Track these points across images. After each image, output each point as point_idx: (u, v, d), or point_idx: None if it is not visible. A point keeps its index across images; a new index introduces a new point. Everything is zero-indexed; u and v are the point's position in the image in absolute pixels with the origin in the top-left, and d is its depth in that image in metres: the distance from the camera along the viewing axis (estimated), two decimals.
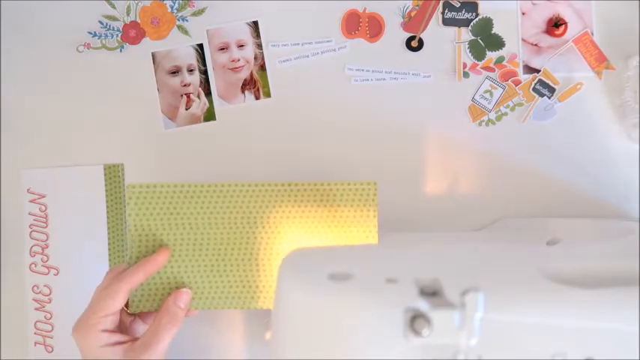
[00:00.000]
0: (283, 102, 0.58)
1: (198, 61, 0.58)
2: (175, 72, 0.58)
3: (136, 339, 0.45)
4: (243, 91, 0.58)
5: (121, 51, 0.58)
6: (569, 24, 0.58)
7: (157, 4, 0.58)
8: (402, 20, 0.58)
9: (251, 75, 0.58)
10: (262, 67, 0.58)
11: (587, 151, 0.57)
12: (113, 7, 0.58)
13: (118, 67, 0.58)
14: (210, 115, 0.58)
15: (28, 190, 0.57)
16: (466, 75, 0.58)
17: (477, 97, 0.58)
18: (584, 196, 0.57)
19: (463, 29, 0.58)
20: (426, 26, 0.58)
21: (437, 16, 0.58)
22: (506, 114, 0.58)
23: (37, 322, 0.56)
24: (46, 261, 0.57)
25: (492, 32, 0.58)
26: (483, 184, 0.57)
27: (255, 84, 0.58)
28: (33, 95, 0.58)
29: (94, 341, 0.43)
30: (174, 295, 0.46)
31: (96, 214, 0.57)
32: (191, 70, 0.58)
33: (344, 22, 0.58)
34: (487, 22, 0.58)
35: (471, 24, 0.58)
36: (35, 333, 0.56)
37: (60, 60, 0.58)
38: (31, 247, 0.57)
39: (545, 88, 0.57)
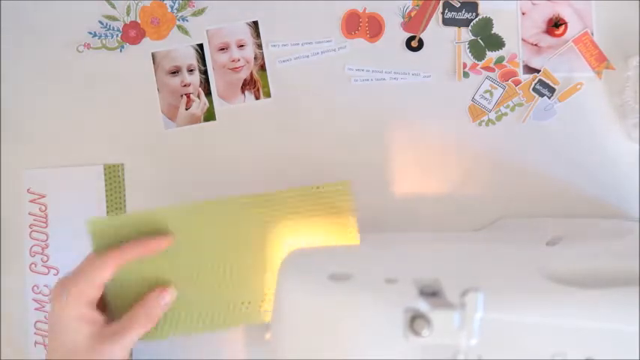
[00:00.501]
0: (283, 102, 0.58)
1: (198, 61, 0.58)
2: (175, 72, 0.58)
3: (107, 322, 0.43)
4: (243, 91, 0.58)
5: (121, 51, 0.58)
6: (569, 24, 0.57)
7: (157, 4, 0.58)
8: (402, 20, 0.58)
9: (251, 75, 0.58)
10: (262, 67, 0.58)
11: (587, 151, 0.57)
12: (113, 7, 0.58)
13: (118, 67, 0.58)
14: (210, 115, 0.58)
15: (28, 190, 0.57)
16: (466, 75, 0.58)
17: (477, 97, 0.58)
18: (584, 196, 0.57)
19: (463, 29, 0.58)
20: (426, 26, 0.58)
21: (437, 16, 0.58)
22: (506, 114, 0.58)
23: (37, 322, 0.56)
24: (46, 261, 0.57)
25: (492, 32, 0.58)
26: (483, 184, 0.57)
27: (255, 84, 0.58)
28: (33, 95, 0.58)
29: (72, 308, 0.41)
30: (158, 291, 0.44)
31: (96, 214, 0.57)
32: (191, 70, 0.58)
33: (344, 22, 0.58)
34: (487, 22, 0.58)
35: (471, 24, 0.58)
36: (35, 333, 0.56)
37: (60, 60, 0.58)
38: (31, 247, 0.57)
39: (545, 88, 0.57)
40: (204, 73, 0.58)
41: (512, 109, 0.58)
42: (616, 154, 0.57)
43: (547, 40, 0.58)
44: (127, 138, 0.58)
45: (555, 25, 0.57)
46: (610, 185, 0.57)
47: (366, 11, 0.58)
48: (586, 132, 0.58)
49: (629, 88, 0.56)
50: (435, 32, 0.58)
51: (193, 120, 0.58)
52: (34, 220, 0.57)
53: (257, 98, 0.58)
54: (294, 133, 0.58)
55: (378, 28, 0.58)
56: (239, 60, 0.58)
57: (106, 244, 0.45)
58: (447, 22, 0.58)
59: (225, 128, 0.58)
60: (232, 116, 0.58)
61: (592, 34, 0.58)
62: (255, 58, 0.58)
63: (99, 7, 0.58)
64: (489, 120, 0.58)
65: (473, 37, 0.58)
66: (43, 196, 0.57)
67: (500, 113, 0.58)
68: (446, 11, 0.58)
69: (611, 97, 0.58)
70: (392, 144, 0.57)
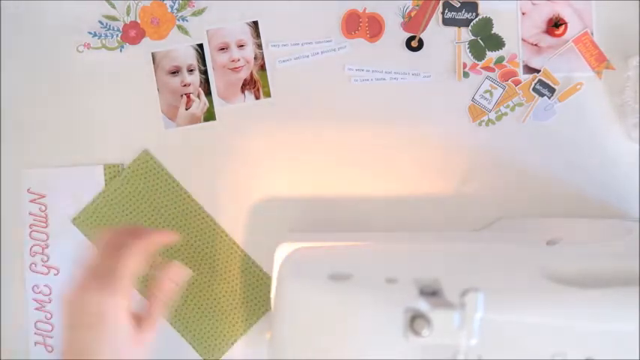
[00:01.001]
0: (283, 102, 0.58)
1: (198, 61, 0.58)
2: (175, 72, 0.58)
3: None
4: (243, 91, 0.58)
5: (121, 51, 0.58)
6: (569, 24, 0.57)
7: (157, 4, 0.58)
8: (402, 20, 0.58)
9: (251, 75, 0.58)
10: (262, 67, 0.58)
11: (587, 151, 0.57)
12: (113, 7, 0.58)
13: (118, 67, 0.58)
14: (210, 115, 0.58)
15: (28, 190, 0.57)
16: (466, 75, 0.58)
17: (477, 97, 0.58)
18: (584, 196, 0.57)
19: (463, 29, 0.58)
20: (426, 26, 0.58)
21: (437, 16, 0.58)
22: (506, 114, 0.58)
23: (37, 322, 0.56)
24: (46, 261, 0.57)
25: (492, 32, 0.58)
26: (483, 184, 0.57)
27: (255, 84, 0.58)
28: (33, 95, 0.58)
29: (122, 302, 0.40)
30: (169, 271, 0.45)
31: None
32: (191, 70, 0.58)
33: (344, 22, 0.58)
34: (487, 22, 0.58)
35: (471, 24, 0.58)
36: (35, 333, 0.56)
37: (60, 60, 0.58)
38: (31, 247, 0.57)
39: (545, 88, 0.57)
40: (204, 73, 0.58)
41: (512, 109, 0.58)
42: (616, 154, 0.57)
43: (547, 40, 0.58)
44: (127, 138, 0.58)
45: (555, 25, 0.57)
46: (610, 185, 0.57)
47: (366, 11, 0.58)
48: (586, 132, 0.58)
49: (629, 88, 0.56)
50: (435, 32, 0.58)
51: (193, 120, 0.58)
52: (34, 220, 0.57)
53: (257, 98, 0.58)
54: (294, 133, 0.57)
55: (378, 28, 0.58)
56: (239, 60, 0.58)
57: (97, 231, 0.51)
58: (447, 22, 0.58)
59: (225, 128, 0.58)
60: (232, 116, 0.58)
61: (592, 34, 0.58)
62: (255, 58, 0.58)
63: (99, 7, 0.58)
64: (489, 120, 0.58)
65: (473, 37, 0.58)
66: (43, 196, 0.57)
67: (500, 113, 0.58)
68: (446, 11, 0.58)
69: (611, 97, 0.58)
70: (392, 144, 0.57)
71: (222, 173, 0.57)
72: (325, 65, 0.58)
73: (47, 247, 0.57)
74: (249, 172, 0.57)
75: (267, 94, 0.58)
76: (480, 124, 0.58)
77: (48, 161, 0.57)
